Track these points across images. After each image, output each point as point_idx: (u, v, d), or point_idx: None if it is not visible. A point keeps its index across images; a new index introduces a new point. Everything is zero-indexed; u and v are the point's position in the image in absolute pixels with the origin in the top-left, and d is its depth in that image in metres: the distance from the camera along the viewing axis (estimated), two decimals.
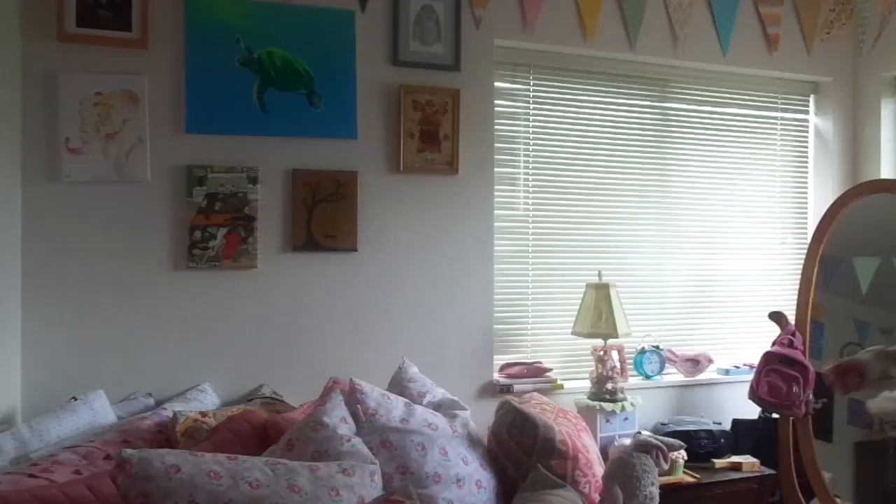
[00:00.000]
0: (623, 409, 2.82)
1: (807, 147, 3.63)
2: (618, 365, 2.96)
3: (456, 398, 2.36)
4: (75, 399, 2.27)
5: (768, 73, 3.45)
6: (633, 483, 2.09)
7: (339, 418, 1.96)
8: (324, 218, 2.69)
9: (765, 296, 3.45)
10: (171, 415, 2.16)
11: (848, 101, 3.55)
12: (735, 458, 2.86)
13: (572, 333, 2.98)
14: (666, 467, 2.27)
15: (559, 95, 3.17)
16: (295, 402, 2.47)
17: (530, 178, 3.11)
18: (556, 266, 3.15)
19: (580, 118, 3.20)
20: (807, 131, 3.63)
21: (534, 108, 3.13)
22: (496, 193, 2.98)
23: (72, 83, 2.41)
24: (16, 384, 2.35)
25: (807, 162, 3.62)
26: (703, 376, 3.30)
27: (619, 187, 3.25)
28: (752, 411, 3.05)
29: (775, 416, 2.93)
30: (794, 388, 2.76)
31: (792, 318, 3.04)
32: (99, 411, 2.23)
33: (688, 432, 2.83)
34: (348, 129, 2.72)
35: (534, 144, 3.12)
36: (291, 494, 1.56)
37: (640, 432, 2.78)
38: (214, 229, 2.56)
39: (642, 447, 2.17)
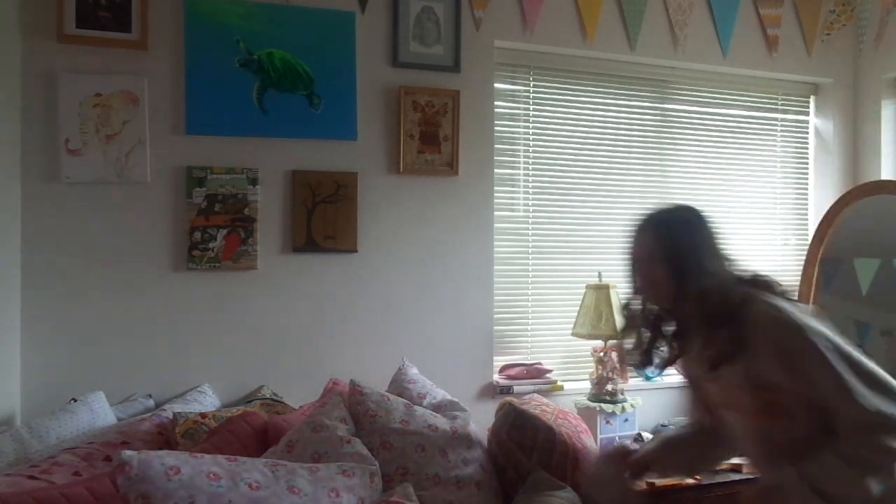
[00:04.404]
0: (623, 410, 2.81)
1: (807, 148, 3.62)
2: (618, 366, 2.96)
3: (456, 399, 2.35)
4: (75, 400, 2.27)
5: (768, 75, 3.45)
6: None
7: (338, 419, 1.96)
8: (324, 219, 2.69)
9: None
10: (170, 416, 2.16)
11: (848, 102, 3.54)
12: (735, 460, 2.84)
13: (572, 334, 2.98)
14: None
15: (559, 97, 3.17)
16: (295, 403, 2.46)
17: (530, 179, 3.11)
18: (556, 267, 3.15)
19: (580, 119, 3.20)
20: (807, 133, 3.62)
21: (534, 110, 3.12)
22: (496, 194, 2.98)
23: (71, 84, 2.41)
24: (15, 385, 2.35)
25: (807, 163, 3.62)
26: None
27: (619, 188, 3.25)
28: None
29: None
30: None
31: None
32: (98, 412, 2.23)
33: None
34: (348, 131, 2.72)
35: (534, 145, 3.12)
36: (291, 496, 1.56)
37: (640, 434, 2.78)
38: (214, 230, 2.56)
39: None
